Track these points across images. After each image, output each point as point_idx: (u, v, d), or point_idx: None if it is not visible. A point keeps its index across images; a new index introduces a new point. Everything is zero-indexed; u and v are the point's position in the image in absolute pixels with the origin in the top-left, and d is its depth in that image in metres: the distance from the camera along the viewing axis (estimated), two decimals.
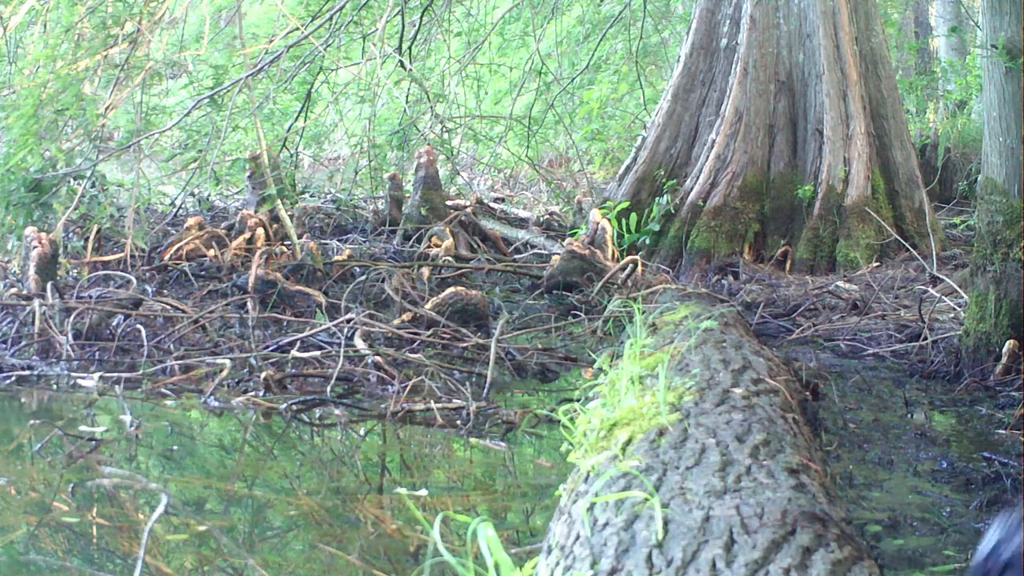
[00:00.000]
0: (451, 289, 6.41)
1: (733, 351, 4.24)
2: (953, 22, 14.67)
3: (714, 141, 8.89)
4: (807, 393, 4.35)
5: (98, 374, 5.03)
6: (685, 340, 4.39)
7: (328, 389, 4.82)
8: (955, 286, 6.68)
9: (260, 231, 7.96)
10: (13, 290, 6.23)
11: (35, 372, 5.14)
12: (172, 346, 5.61)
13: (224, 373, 4.92)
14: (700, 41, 9.31)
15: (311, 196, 11.01)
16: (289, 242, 7.79)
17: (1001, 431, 4.43)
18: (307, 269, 7.39)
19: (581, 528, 2.25)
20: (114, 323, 5.88)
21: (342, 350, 5.18)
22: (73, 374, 5.09)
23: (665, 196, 8.85)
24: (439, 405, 4.57)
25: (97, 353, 5.53)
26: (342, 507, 3.54)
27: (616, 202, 8.94)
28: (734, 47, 9.06)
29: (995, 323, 5.05)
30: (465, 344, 5.66)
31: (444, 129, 10.61)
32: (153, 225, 8.87)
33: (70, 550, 3.14)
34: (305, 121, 10.56)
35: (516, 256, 9.15)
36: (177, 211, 9.84)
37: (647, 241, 8.74)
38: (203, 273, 7.62)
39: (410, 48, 10.34)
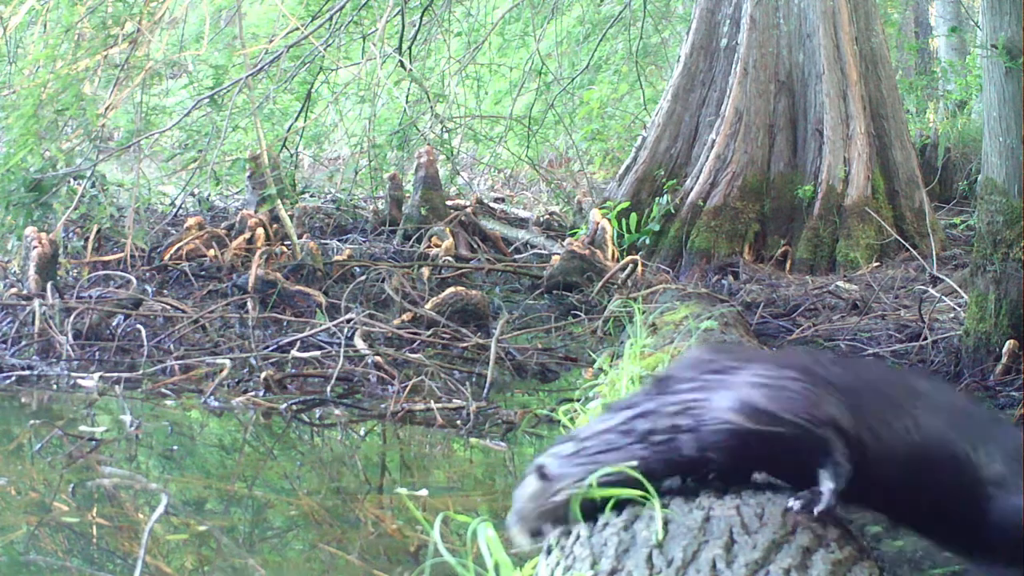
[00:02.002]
0: (451, 289, 6.41)
1: None
2: (953, 22, 14.66)
3: (714, 141, 8.89)
4: None
5: (98, 374, 5.03)
6: (685, 340, 4.39)
7: (328, 389, 4.82)
8: (955, 286, 6.68)
9: (260, 231, 7.95)
10: (13, 290, 6.23)
11: (35, 372, 5.14)
12: (172, 346, 5.61)
13: (224, 373, 4.92)
14: (700, 41, 9.30)
15: (311, 196, 11.00)
16: (289, 242, 7.78)
17: None
18: (307, 269, 7.39)
19: (581, 528, 2.25)
20: (114, 323, 5.88)
21: (342, 350, 5.18)
22: (73, 374, 5.09)
23: (665, 196, 8.85)
24: (439, 405, 4.57)
25: (97, 353, 5.53)
26: (342, 507, 3.54)
27: (616, 202, 8.94)
28: (734, 47, 9.06)
29: (995, 323, 5.05)
30: (465, 344, 5.66)
31: (444, 129, 10.60)
32: (153, 225, 8.86)
33: (70, 550, 3.14)
34: (305, 121, 10.55)
35: (516, 256, 9.15)
36: (177, 211, 9.83)
37: (647, 241, 8.74)
38: (203, 273, 7.62)
39: (410, 48, 10.34)
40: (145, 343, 5.44)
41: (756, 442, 2.15)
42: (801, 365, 2.26)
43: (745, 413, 2.14)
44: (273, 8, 11.93)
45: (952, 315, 6.24)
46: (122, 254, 7.53)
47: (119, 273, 7.13)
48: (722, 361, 2.26)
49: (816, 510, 2.12)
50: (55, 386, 5.03)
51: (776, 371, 2.21)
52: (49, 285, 6.03)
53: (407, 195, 9.55)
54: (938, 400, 2.33)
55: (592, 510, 2.19)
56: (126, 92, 7.79)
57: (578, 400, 4.24)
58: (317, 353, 5.29)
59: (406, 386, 4.79)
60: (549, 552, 2.30)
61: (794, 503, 2.14)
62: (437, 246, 8.58)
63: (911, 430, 2.22)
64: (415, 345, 5.63)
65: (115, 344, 5.58)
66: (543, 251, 8.98)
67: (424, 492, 3.69)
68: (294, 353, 5.25)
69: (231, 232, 8.27)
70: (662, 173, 9.10)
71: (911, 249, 8.27)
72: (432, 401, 4.64)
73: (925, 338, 5.77)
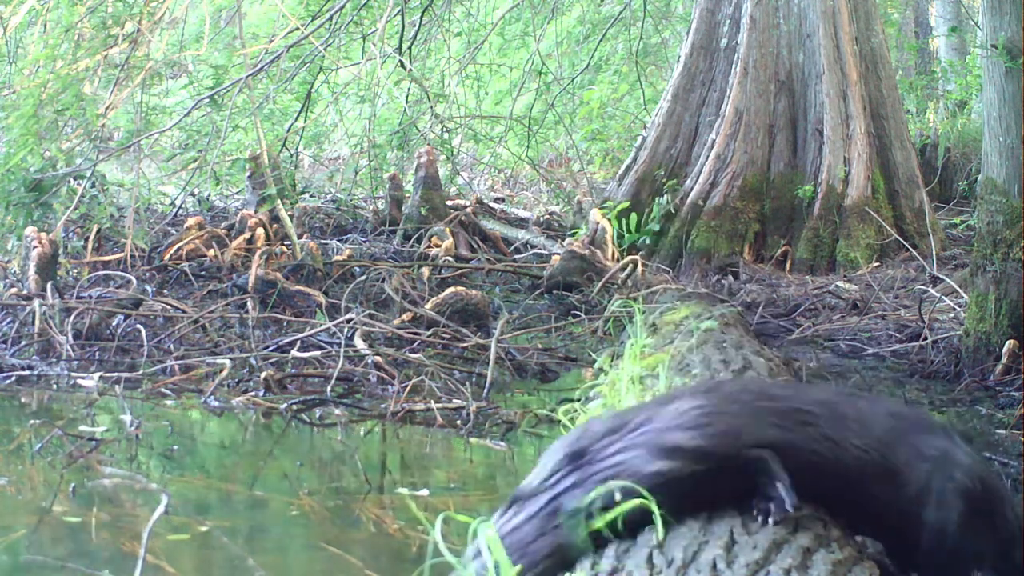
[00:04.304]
0: (451, 289, 6.41)
1: (733, 351, 4.24)
2: (953, 22, 14.65)
3: (714, 141, 8.89)
4: None
5: (98, 374, 5.03)
6: (685, 340, 4.39)
7: (328, 389, 4.82)
8: (955, 286, 6.68)
9: (260, 231, 7.95)
10: (13, 290, 6.23)
11: (35, 372, 5.14)
12: (172, 346, 5.61)
13: (224, 373, 4.92)
14: (700, 41, 9.30)
15: (311, 196, 11.00)
16: (289, 242, 7.78)
17: (1001, 431, 4.43)
18: (307, 269, 7.39)
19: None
20: (114, 323, 5.88)
21: (342, 350, 5.18)
22: (73, 374, 5.09)
23: (665, 196, 8.84)
24: (439, 405, 4.57)
25: (97, 353, 5.53)
26: (342, 507, 3.54)
27: (616, 202, 8.94)
28: (734, 47, 9.06)
29: (995, 323, 5.05)
30: (465, 344, 5.66)
31: (444, 129, 10.59)
32: (153, 225, 8.85)
33: (70, 550, 3.14)
34: (305, 121, 10.54)
35: (516, 256, 9.14)
36: (177, 211, 9.83)
37: (647, 241, 8.74)
38: (203, 273, 7.62)
39: (410, 48, 10.34)
40: (145, 343, 5.44)
41: (693, 480, 2.18)
42: (724, 393, 2.34)
43: (674, 458, 2.17)
44: (273, 8, 11.92)
45: (952, 315, 6.24)
46: (122, 254, 7.53)
47: (119, 273, 7.13)
48: (632, 419, 2.29)
49: (774, 519, 2.14)
50: (55, 386, 5.03)
51: (693, 407, 2.25)
52: (49, 285, 6.03)
53: (407, 195, 9.55)
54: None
55: (598, 536, 2.16)
56: (126, 92, 7.79)
57: (578, 400, 4.24)
58: (317, 353, 5.29)
59: (406, 386, 4.79)
60: None
61: (759, 516, 2.16)
62: (437, 246, 8.57)
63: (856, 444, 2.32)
64: (415, 345, 5.63)
65: (115, 344, 5.58)
66: (543, 251, 8.98)
67: (425, 492, 3.69)
68: (294, 353, 5.24)
69: (231, 232, 8.26)
70: (662, 173, 9.10)
71: (911, 249, 8.27)
72: (432, 401, 4.64)
73: (925, 338, 5.77)
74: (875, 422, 2.37)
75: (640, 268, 7.46)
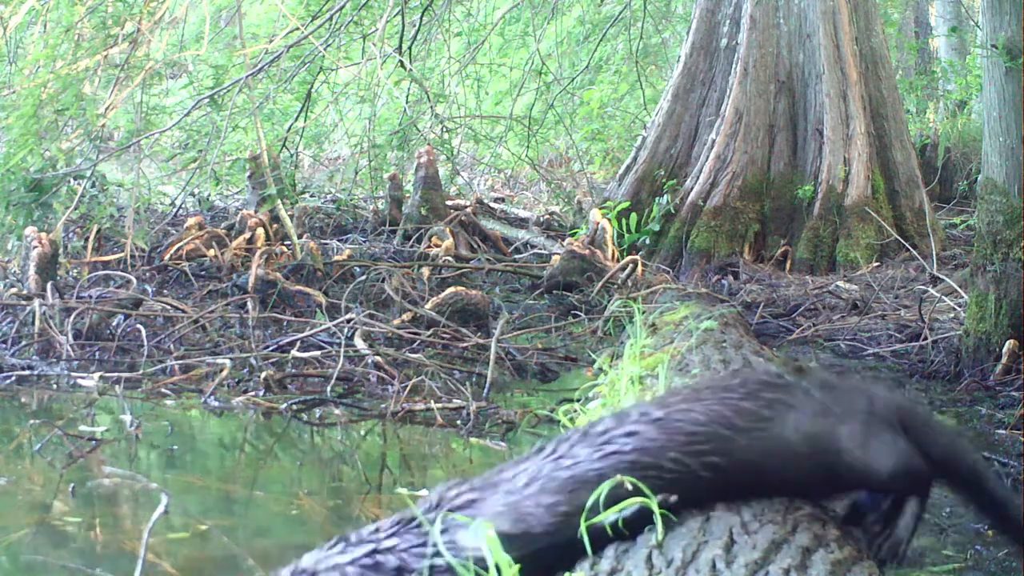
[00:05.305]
0: (451, 289, 6.41)
1: (733, 351, 4.24)
2: (953, 22, 14.64)
3: (714, 141, 8.89)
4: None
5: (98, 374, 5.03)
6: (685, 340, 4.40)
7: (328, 389, 4.82)
8: (955, 286, 6.67)
9: (260, 231, 7.95)
10: (13, 290, 6.23)
11: (35, 372, 5.14)
12: (172, 346, 5.61)
13: (224, 373, 4.93)
14: (700, 41, 9.30)
15: (311, 196, 11.00)
16: (289, 242, 7.78)
17: (1001, 431, 4.43)
18: (307, 269, 7.39)
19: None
20: (114, 323, 5.89)
21: (342, 350, 5.18)
22: (73, 374, 5.09)
23: (665, 196, 8.84)
24: (439, 405, 4.57)
25: (97, 353, 5.53)
26: (342, 507, 3.54)
27: (616, 202, 8.94)
28: (734, 47, 9.06)
29: (995, 323, 5.05)
30: (465, 344, 5.66)
31: (444, 129, 10.59)
32: (153, 225, 8.86)
33: (70, 550, 3.14)
34: (305, 121, 10.54)
35: (516, 256, 9.14)
36: (177, 211, 9.83)
37: (647, 241, 8.74)
38: (203, 273, 7.62)
39: (410, 48, 10.33)
40: (145, 343, 5.44)
41: (533, 557, 2.15)
42: (550, 475, 2.25)
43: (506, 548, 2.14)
44: (273, 8, 11.92)
45: (952, 315, 6.23)
46: (122, 254, 7.53)
47: (119, 273, 7.13)
48: (464, 494, 2.25)
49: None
50: (55, 386, 5.03)
51: (523, 490, 2.22)
52: (49, 285, 6.03)
53: (407, 195, 9.55)
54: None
55: (600, 533, 2.16)
56: (126, 92, 7.79)
57: (578, 400, 4.24)
58: (317, 353, 5.29)
59: (406, 386, 4.79)
60: None
61: None
62: (437, 246, 8.57)
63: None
64: (415, 345, 5.63)
65: (115, 344, 5.58)
66: (543, 251, 8.98)
67: (425, 492, 3.69)
68: (294, 353, 5.25)
69: (231, 232, 8.26)
70: (662, 173, 9.10)
71: (911, 249, 8.26)
72: (432, 401, 4.64)
73: (925, 338, 5.77)
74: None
75: (640, 268, 7.46)
